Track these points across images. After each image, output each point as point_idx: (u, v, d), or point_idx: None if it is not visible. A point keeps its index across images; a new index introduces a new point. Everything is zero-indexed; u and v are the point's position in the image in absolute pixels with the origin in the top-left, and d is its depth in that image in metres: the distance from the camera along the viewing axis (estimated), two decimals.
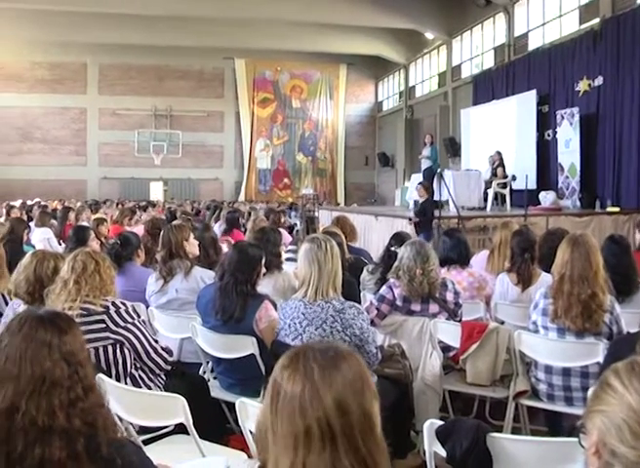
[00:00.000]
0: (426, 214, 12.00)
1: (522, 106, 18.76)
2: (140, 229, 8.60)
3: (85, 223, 10.22)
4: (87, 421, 1.84)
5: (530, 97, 18.40)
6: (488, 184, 15.67)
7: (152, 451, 3.19)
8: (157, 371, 3.96)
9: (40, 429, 1.76)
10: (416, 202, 12.68)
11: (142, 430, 3.41)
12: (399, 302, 4.65)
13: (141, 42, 29.20)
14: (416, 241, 4.89)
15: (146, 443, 3.38)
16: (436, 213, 11.55)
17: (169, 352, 4.05)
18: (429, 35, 27.07)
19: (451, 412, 4.62)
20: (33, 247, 8.47)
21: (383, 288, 4.77)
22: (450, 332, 4.53)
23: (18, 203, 17.34)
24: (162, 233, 5.56)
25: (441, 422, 2.57)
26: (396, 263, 4.71)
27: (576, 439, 1.49)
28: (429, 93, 28.76)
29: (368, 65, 33.81)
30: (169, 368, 4.03)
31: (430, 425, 2.57)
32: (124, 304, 3.79)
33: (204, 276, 5.26)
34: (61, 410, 1.80)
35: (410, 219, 12.48)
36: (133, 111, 33.50)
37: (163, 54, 31.63)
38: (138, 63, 33.06)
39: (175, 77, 33.72)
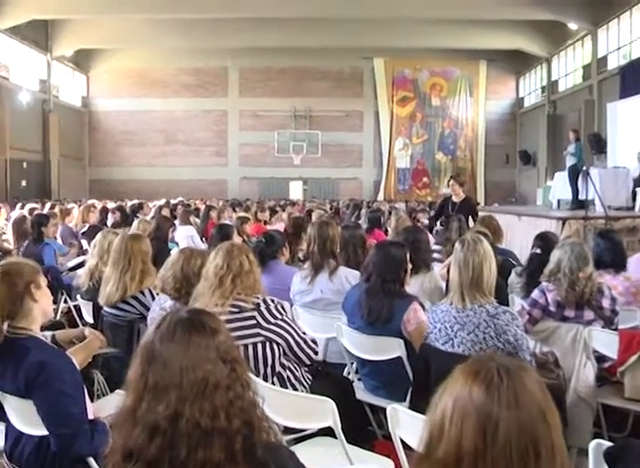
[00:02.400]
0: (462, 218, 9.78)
1: None
2: (280, 227, 8.72)
3: (227, 222, 10.48)
4: (245, 420, 1.82)
5: None
6: (637, 182, 14.87)
7: (297, 453, 3.20)
8: (307, 362, 3.94)
9: (203, 432, 1.75)
10: (444, 202, 10.79)
11: (286, 430, 3.39)
12: (552, 308, 4.42)
13: (280, 44, 29.78)
14: (574, 241, 4.66)
15: (290, 444, 3.37)
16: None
17: (315, 343, 4.03)
18: (573, 26, 26.09)
19: (604, 428, 4.34)
20: (177, 244, 8.76)
21: (535, 292, 4.55)
22: (606, 342, 4.25)
23: (161, 202, 18.01)
24: (314, 230, 5.50)
25: (608, 443, 2.40)
26: (551, 266, 4.48)
27: None
28: (573, 86, 27.75)
29: (508, 60, 32.99)
30: (320, 359, 3.99)
31: (597, 446, 2.39)
32: (273, 301, 3.81)
33: (349, 276, 5.19)
34: (222, 411, 1.79)
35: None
36: (272, 112, 34.26)
37: (301, 55, 32.15)
38: (277, 65, 33.78)
39: (313, 78, 34.19)
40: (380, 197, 32.59)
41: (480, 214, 10.47)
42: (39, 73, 30.75)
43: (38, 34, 29.67)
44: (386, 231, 9.88)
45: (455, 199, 10.56)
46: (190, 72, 34.48)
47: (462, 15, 25.31)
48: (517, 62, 33.09)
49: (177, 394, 1.76)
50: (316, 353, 3.96)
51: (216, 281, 3.70)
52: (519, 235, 12.51)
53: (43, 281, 3.20)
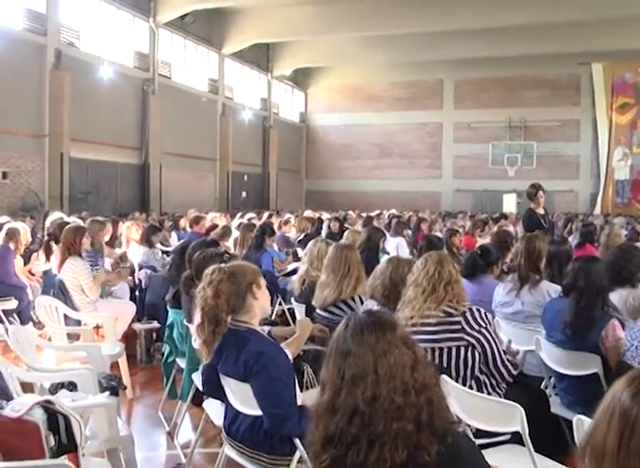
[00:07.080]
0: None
1: None
2: (488, 241, 8.75)
3: (438, 234, 10.63)
4: (428, 396, 2.04)
5: None
6: None
7: (485, 456, 3.31)
8: (499, 380, 4.04)
9: (397, 407, 1.99)
10: (533, 217, 9.40)
11: (479, 435, 3.51)
12: None
13: (494, 55, 29.35)
14: None
15: (481, 447, 3.48)
16: None
17: (514, 365, 4.11)
18: None
19: None
20: (388, 254, 9.04)
21: None
22: None
23: (374, 214, 18.44)
24: (522, 243, 5.64)
25: None
26: None
27: None
28: None
29: None
30: (511, 380, 4.08)
31: None
32: (479, 310, 3.99)
33: (550, 290, 5.22)
34: (411, 387, 2.03)
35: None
36: (487, 124, 33.86)
37: (516, 64, 31.30)
38: (491, 76, 33.28)
39: (528, 87, 33.27)
40: (597, 211, 31.00)
41: None
42: (260, 92, 32.91)
43: (260, 56, 31.80)
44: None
45: (540, 211, 9.48)
46: (404, 86, 34.96)
47: None
48: None
49: (372, 378, 2.01)
50: (510, 374, 4.01)
51: (429, 288, 3.93)
52: None
53: (263, 282, 3.67)
